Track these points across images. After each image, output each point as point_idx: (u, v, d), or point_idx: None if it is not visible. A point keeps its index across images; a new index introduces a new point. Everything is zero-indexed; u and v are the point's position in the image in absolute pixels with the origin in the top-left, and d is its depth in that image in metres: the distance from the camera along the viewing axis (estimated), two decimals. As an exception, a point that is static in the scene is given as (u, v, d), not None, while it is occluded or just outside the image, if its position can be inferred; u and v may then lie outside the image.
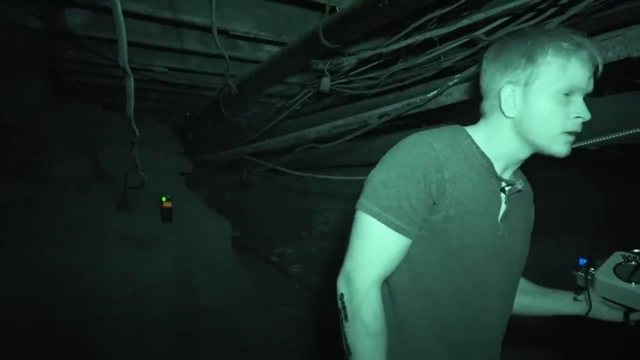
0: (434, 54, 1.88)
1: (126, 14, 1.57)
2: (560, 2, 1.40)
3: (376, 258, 1.01)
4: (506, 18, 1.58)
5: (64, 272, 3.41)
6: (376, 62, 2.15)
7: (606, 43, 1.22)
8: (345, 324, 1.01)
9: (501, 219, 1.08)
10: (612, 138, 1.35)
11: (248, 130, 3.47)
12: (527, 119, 1.01)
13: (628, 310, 1.14)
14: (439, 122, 2.51)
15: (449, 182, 0.99)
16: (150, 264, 3.85)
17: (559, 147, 1.01)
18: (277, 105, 3.12)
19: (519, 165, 1.13)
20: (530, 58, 0.98)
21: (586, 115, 0.98)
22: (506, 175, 1.11)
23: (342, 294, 1.02)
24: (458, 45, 1.79)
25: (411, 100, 1.92)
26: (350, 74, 2.27)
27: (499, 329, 1.16)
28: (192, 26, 1.96)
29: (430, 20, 1.65)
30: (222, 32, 1.95)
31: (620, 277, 1.12)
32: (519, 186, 1.10)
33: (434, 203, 1.00)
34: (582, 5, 1.28)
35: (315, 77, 2.47)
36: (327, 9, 1.64)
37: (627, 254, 1.18)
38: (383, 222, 0.99)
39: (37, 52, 2.48)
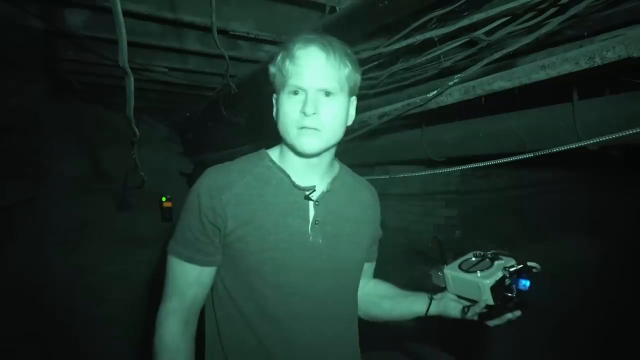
0: (434, 54, 1.87)
1: (126, 14, 1.57)
2: (560, 2, 1.40)
3: (171, 289, 1.08)
4: (506, 18, 1.58)
5: (64, 272, 3.41)
6: (376, 62, 2.14)
7: (606, 43, 1.21)
8: None
9: (312, 225, 1.08)
10: (612, 138, 1.35)
11: (248, 131, 3.46)
12: (278, 122, 1.06)
13: (468, 305, 1.17)
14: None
15: (229, 205, 1.03)
16: (150, 264, 3.85)
17: (299, 141, 1.02)
18: (277, 106, 3.11)
19: (324, 168, 1.12)
20: (273, 66, 1.06)
21: (307, 109, 0.98)
22: (312, 181, 1.11)
23: None
24: (458, 45, 1.78)
25: (411, 100, 1.91)
26: (350, 74, 2.26)
27: (328, 340, 1.11)
28: (192, 26, 1.96)
29: (430, 20, 1.65)
30: (222, 32, 1.95)
31: (462, 269, 1.18)
32: (323, 189, 1.11)
33: (218, 228, 1.04)
34: (582, 5, 1.27)
35: (315, 77, 2.46)
36: (327, 9, 1.64)
37: (478, 252, 1.23)
38: (175, 255, 1.07)
39: (37, 52, 2.48)
